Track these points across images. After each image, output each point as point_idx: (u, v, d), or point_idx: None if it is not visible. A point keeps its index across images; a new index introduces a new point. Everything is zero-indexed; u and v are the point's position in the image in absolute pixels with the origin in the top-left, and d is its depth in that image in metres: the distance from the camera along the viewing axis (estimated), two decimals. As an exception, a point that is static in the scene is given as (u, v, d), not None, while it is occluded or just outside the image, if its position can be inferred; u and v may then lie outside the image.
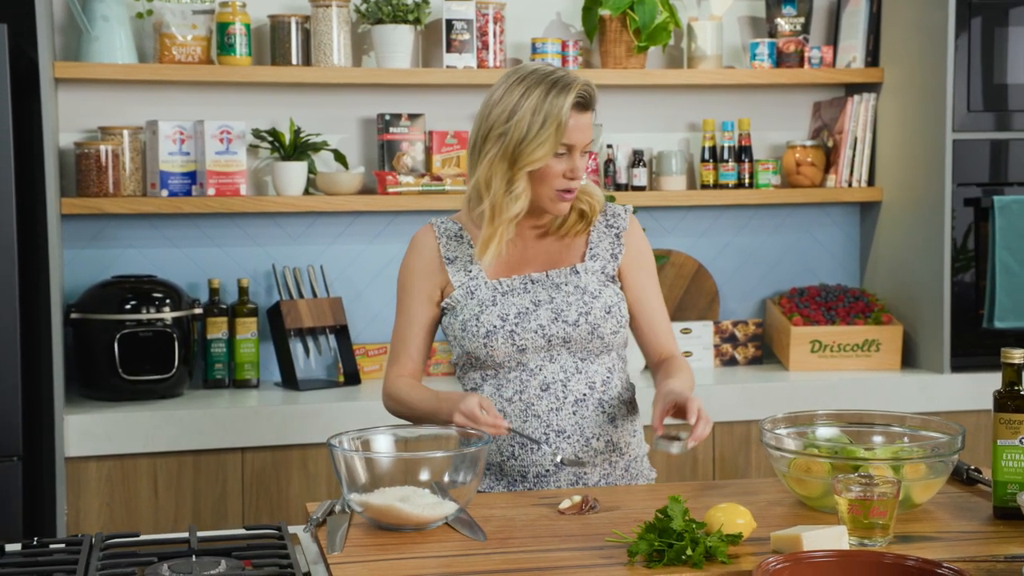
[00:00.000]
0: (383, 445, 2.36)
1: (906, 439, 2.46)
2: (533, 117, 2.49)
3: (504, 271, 2.64)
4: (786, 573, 1.90)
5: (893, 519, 2.12)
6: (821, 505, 2.32)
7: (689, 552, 2.01)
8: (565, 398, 2.58)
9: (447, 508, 2.21)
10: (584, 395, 2.60)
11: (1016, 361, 2.28)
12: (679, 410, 2.45)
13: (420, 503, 2.19)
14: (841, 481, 2.14)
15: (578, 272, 2.64)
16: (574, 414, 2.59)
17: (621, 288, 2.68)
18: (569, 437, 2.58)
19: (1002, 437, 2.28)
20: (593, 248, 2.67)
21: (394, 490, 2.22)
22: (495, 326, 2.56)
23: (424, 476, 2.24)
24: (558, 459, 2.55)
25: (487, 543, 2.15)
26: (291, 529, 2.26)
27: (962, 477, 2.51)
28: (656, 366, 2.70)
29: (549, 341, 2.57)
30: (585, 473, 2.61)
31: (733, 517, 2.11)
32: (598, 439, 2.60)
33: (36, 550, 2.13)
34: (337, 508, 2.31)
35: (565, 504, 2.34)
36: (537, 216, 2.64)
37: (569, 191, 2.56)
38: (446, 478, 2.24)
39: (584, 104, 2.53)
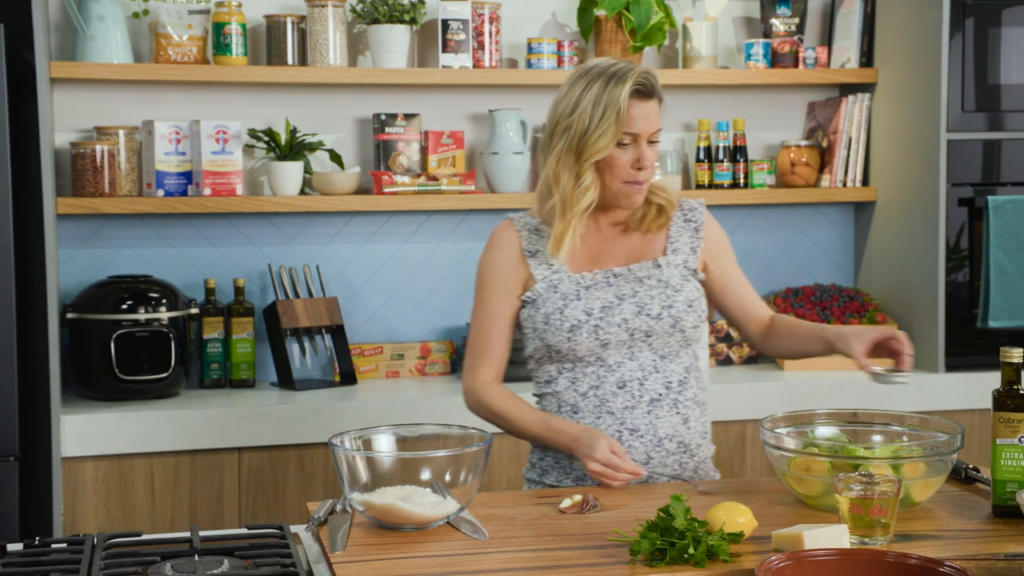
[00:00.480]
0: (384, 444, 2.37)
1: (905, 438, 2.47)
2: (594, 109, 2.56)
3: (586, 265, 2.67)
4: (789, 571, 1.91)
5: (894, 517, 2.13)
6: (821, 504, 2.32)
7: (691, 551, 2.02)
8: (641, 397, 2.61)
9: (448, 507, 2.22)
10: (660, 395, 2.62)
11: (1015, 360, 2.29)
12: (875, 347, 2.53)
13: (421, 502, 2.20)
14: (842, 480, 2.15)
15: (660, 266, 2.68)
16: (648, 413, 2.61)
17: (704, 279, 2.73)
18: (642, 436, 2.61)
19: (1001, 436, 2.29)
20: (674, 242, 2.71)
21: (395, 489, 2.23)
22: (580, 320, 2.59)
23: (425, 475, 2.25)
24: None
25: (489, 542, 2.16)
26: (292, 528, 2.26)
27: (960, 476, 2.52)
28: (767, 330, 2.77)
29: (632, 335, 2.60)
30: (656, 475, 2.62)
31: (734, 516, 2.12)
32: (670, 440, 2.63)
33: (38, 550, 2.13)
34: (338, 507, 2.31)
35: (566, 503, 2.35)
36: (614, 211, 2.67)
37: (637, 182, 2.60)
38: (447, 477, 2.24)
39: (644, 92, 2.57)
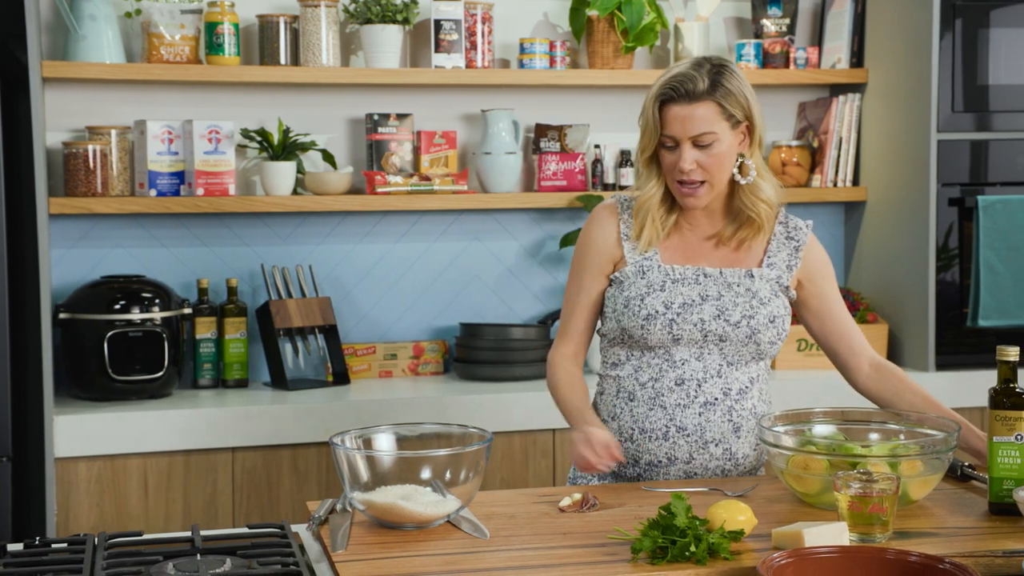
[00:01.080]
0: (384, 444, 2.37)
1: (902, 436, 2.48)
2: (644, 109, 2.62)
3: (679, 258, 2.67)
4: (791, 569, 1.92)
5: (893, 515, 2.14)
6: (819, 502, 2.33)
7: (693, 549, 2.02)
8: (695, 398, 2.61)
9: (449, 506, 2.22)
10: (715, 399, 2.61)
11: (1012, 359, 2.30)
12: None
13: (422, 501, 2.20)
14: (841, 478, 2.16)
15: (753, 276, 2.65)
16: (699, 415, 2.61)
17: (796, 298, 2.71)
18: (688, 436, 2.61)
19: (998, 434, 2.30)
20: (771, 256, 2.68)
21: (396, 488, 2.23)
22: (657, 311, 2.59)
23: (425, 474, 2.25)
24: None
25: (490, 541, 2.16)
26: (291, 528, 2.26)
27: (956, 474, 2.54)
28: (876, 375, 2.71)
29: (705, 336, 2.60)
30: (696, 475, 2.62)
31: (734, 514, 2.13)
32: (717, 445, 2.62)
33: (38, 549, 2.13)
34: (338, 507, 2.32)
35: (565, 502, 2.35)
36: (707, 215, 2.67)
37: (683, 183, 2.59)
38: (447, 476, 2.25)
39: (679, 95, 2.55)
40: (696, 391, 2.61)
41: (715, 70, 2.58)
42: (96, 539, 2.16)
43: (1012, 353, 2.30)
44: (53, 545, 2.16)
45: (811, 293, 2.72)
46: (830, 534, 2.06)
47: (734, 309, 2.61)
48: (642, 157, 2.64)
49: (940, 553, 1.98)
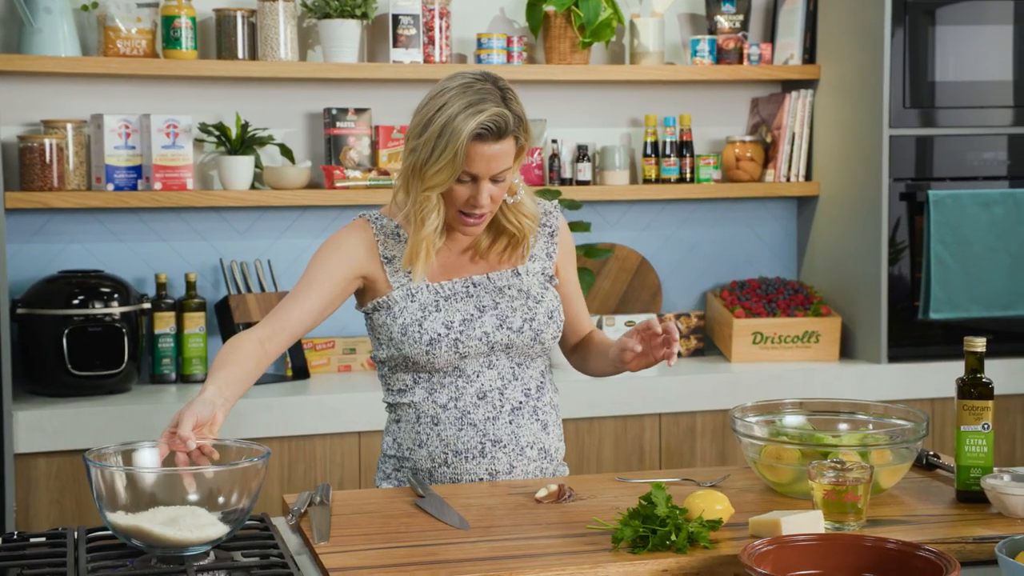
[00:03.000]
0: (148, 459, 2.17)
1: (871, 426, 2.52)
2: (437, 140, 2.39)
3: (444, 274, 2.56)
4: (771, 556, 1.95)
5: (866, 503, 2.18)
6: (791, 491, 2.37)
7: (673, 538, 2.05)
8: (502, 407, 2.55)
9: (219, 530, 2.03)
10: (520, 403, 2.57)
11: (979, 349, 2.35)
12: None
13: (190, 524, 2.00)
14: (816, 467, 2.20)
15: (520, 274, 2.59)
16: (510, 423, 2.56)
17: (558, 284, 2.67)
18: (505, 447, 2.56)
19: (965, 423, 2.35)
20: (532, 249, 2.62)
21: (161, 511, 2.03)
22: (439, 334, 2.49)
23: (192, 495, 2.04)
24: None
25: (471, 532, 2.18)
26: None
27: (922, 463, 2.59)
28: (582, 343, 2.73)
29: (492, 348, 2.54)
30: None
31: (712, 503, 2.16)
32: (532, 447, 2.58)
33: (17, 543, 2.12)
34: (316, 499, 2.32)
35: (542, 493, 2.37)
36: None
37: (471, 215, 2.47)
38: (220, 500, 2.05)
39: (492, 133, 2.39)
40: (500, 400, 2.55)
41: (504, 95, 2.43)
42: (76, 533, 2.15)
43: (979, 344, 2.35)
44: (31, 540, 2.14)
45: (563, 280, 2.69)
46: (806, 522, 2.09)
47: (513, 315, 2.54)
48: (426, 192, 2.43)
49: (915, 540, 2.02)
